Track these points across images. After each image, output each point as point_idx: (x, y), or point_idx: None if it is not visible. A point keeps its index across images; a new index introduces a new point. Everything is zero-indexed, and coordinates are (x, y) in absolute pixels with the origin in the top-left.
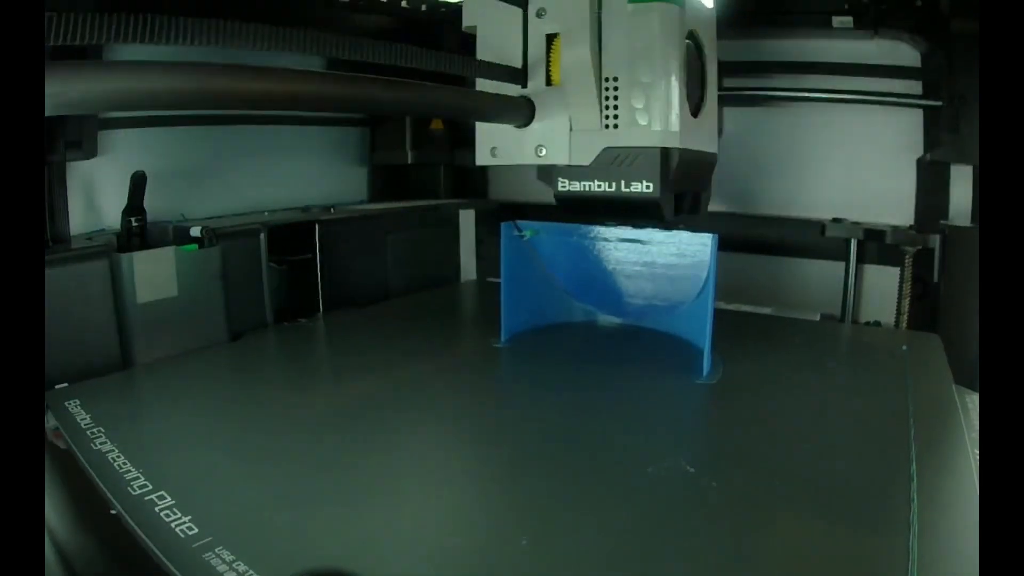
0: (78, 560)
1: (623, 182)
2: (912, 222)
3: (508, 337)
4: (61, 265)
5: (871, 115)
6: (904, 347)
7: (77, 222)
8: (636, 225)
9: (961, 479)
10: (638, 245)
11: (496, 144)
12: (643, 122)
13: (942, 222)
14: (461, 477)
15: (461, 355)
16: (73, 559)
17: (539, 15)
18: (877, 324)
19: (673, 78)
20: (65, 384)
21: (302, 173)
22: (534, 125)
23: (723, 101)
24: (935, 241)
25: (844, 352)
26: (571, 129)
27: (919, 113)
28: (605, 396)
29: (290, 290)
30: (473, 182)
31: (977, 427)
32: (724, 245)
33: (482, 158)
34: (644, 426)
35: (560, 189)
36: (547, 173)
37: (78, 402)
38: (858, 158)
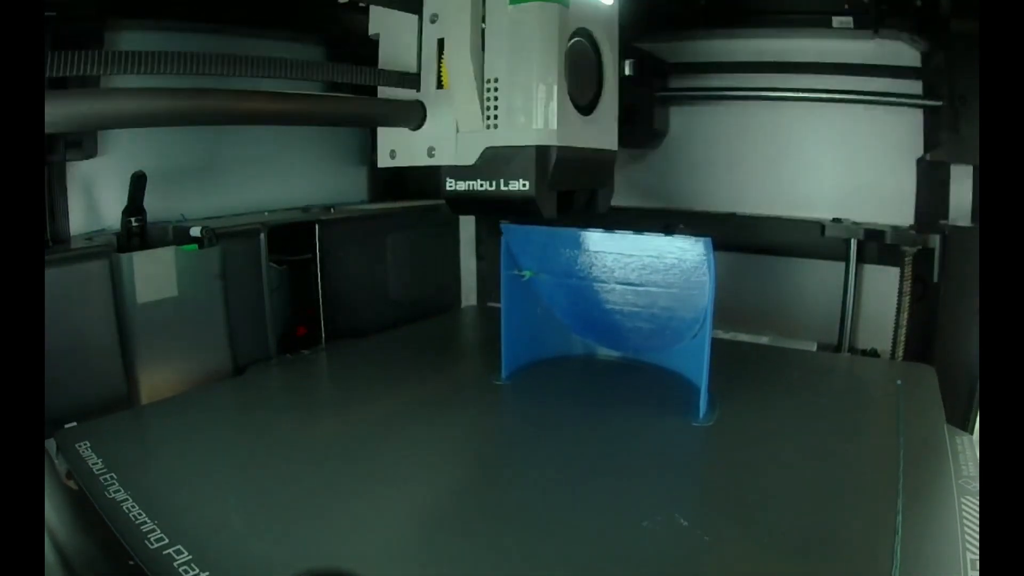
0: (78, 560)
1: (502, 180)
2: (912, 222)
3: (508, 374)
4: (61, 265)
5: (871, 115)
6: (899, 382)
7: (77, 222)
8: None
9: (944, 529)
10: (637, 288)
11: (394, 147)
12: (521, 121)
13: (942, 222)
14: (451, 526)
15: (463, 394)
16: (73, 559)
17: (432, 20)
18: (874, 353)
19: (551, 77)
20: (74, 423)
21: (302, 173)
22: (426, 127)
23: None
24: (935, 241)
25: (839, 389)
26: (457, 130)
27: (919, 113)
28: (602, 441)
29: (290, 290)
30: None
31: (965, 471)
32: (723, 245)
33: (383, 160)
34: (640, 475)
35: (448, 189)
36: (437, 173)
37: (88, 444)
38: (858, 158)
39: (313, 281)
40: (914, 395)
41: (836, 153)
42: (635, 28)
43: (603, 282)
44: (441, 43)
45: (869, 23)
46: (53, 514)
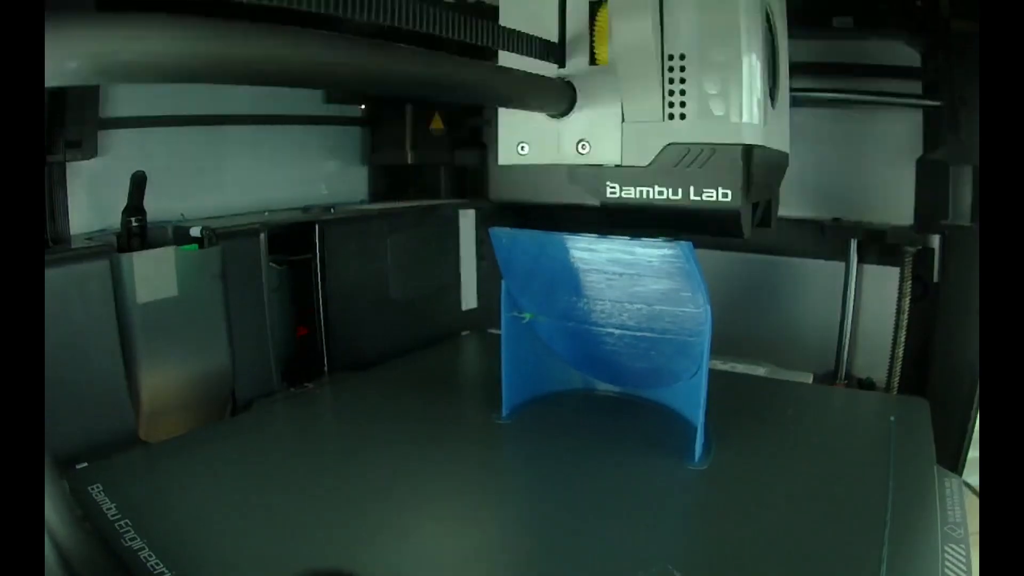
0: (78, 560)
1: (693, 188)
2: (912, 222)
3: (509, 411)
4: (61, 265)
5: (871, 115)
6: (892, 418)
7: (77, 222)
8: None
9: None
10: (635, 333)
11: (525, 139)
12: (719, 112)
13: (942, 222)
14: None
15: (464, 436)
16: (73, 559)
17: None
18: (870, 383)
19: (755, 58)
20: (85, 464)
21: (302, 173)
22: (574, 114)
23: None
24: (935, 241)
25: (833, 426)
26: (623, 120)
27: (919, 113)
28: (598, 487)
29: (290, 290)
30: (473, 182)
31: (952, 516)
32: (723, 246)
33: (507, 156)
34: (634, 522)
35: (610, 196)
36: (588, 175)
37: (100, 487)
38: (858, 158)
39: (313, 281)
40: (906, 433)
41: (836, 153)
42: None
43: (601, 326)
44: (595, 6)
45: (869, 23)
46: (53, 514)
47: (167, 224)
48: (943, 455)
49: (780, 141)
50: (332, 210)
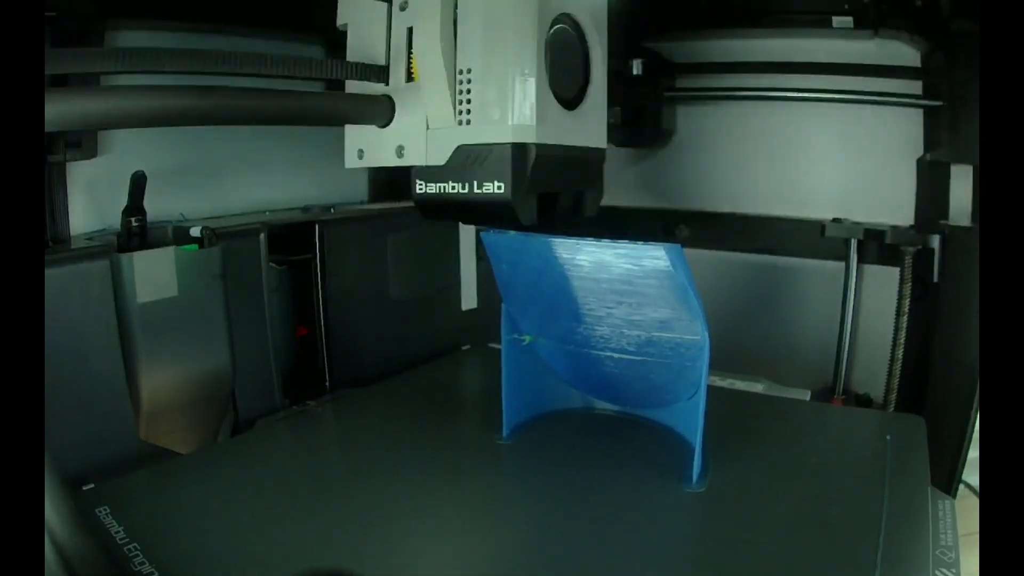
0: (78, 560)
1: (475, 183)
2: (912, 222)
3: (509, 432)
4: (61, 265)
5: (871, 115)
6: (888, 437)
7: (77, 222)
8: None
9: None
10: (633, 358)
11: (362, 146)
12: (495, 116)
13: (942, 222)
14: None
15: (466, 458)
16: (73, 559)
17: (402, 8)
18: (867, 399)
19: (529, 66)
20: (92, 485)
21: (302, 173)
22: (395, 124)
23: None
24: (935, 241)
25: (829, 446)
26: (428, 127)
27: (919, 113)
28: (595, 512)
29: (290, 290)
30: None
31: (944, 540)
32: (724, 245)
33: (350, 160)
34: (631, 547)
35: (418, 192)
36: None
37: (108, 510)
38: (858, 158)
39: (313, 281)
40: (901, 454)
41: (836, 153)
42: (636, 27)
43: (600, 350)
44: (411, 32)
45: (869, 23)
46: (53, 514)
47: (167, 224)
48: (942, 457)
49: (583, 139)
50: (332, 210)
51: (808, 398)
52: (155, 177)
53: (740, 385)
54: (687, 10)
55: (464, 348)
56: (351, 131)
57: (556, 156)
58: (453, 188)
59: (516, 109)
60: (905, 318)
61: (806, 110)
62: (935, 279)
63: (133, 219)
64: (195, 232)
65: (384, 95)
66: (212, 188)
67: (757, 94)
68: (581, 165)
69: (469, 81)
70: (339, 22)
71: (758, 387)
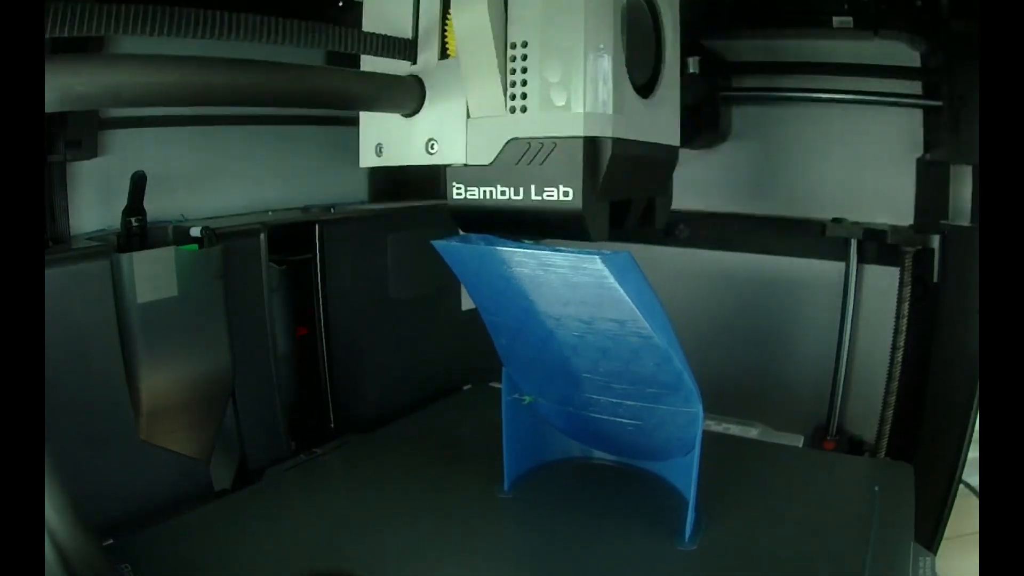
0: (78, 560)
1: (534, 187)
2: (912, 222)
3: (510, 485)
4: (61, 265)
5: (871, 115)
6: (876, 488)
7: (77, 222)
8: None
9: None
10: (630, 422)
11: (382, 140)
12: (560, 102)
13: (942, 222)
14: None
15: (469, 513)
16: (73, 559)
17: None
18: (859, 443)
19: (605, 40)
20: (111, 540)
21: (302, 173)
22: (424, 112)
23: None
24: (935, 241)
25: (819, 498)
26: (468, 116)
27: (919, 113)
28: (591, 567)
29: (290, 290)
30: None
31: None
32: (724, 245)
33: (366, 157)
34: None
35: (455, 197)
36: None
37: (129, 568)
38: (858, 158)
39: (313, 281)
40: (888, 506)
41: (836, 153)
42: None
43: (598, 414)
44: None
45: (869, 23)
46: (53, 514)
47: (167, 224)
48: (943, 457)
49: (658, 134)
50: (332, 210)
51: (801, 443)
52: (155, 177)
53: (735, 430)
54: (690, 12)
55: (466, 388)
56: (368, 122)
57: (632, 154)
58: (503, 194)
59: (589, 93)
60: (905, 319)
61: (805, 110)
62: (935, 279)
63: (133, 219)
64: (195, 232)
65: (412, 76)
66: (212, 188)
67: (757, 95)
68: (655, 166)
69: (524, 57)
70: None
71: (752, 432)
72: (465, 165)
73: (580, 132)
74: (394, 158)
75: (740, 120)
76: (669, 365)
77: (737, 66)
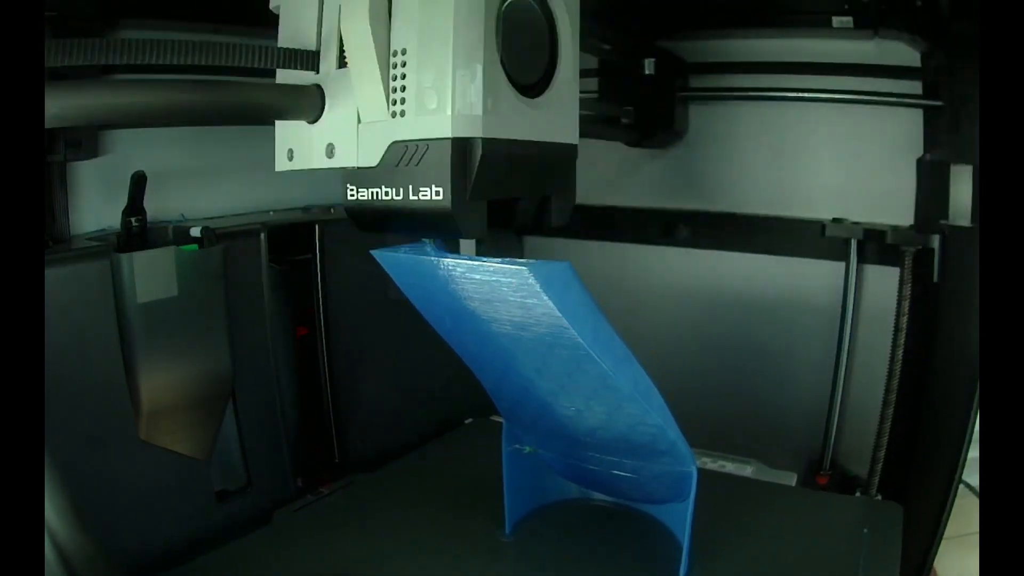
0: (78, 560)
1: (411, 187)
2: (912, 222)
3: (512, 527)
4: (61, 265)
5: (871, 115)
6: (865, 530)
7: (78, 223)
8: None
9: None
10: (628, 474)
11: (292, 145)
12: (432, 105)
13: (942, 222)
14: None
15: (469, 551)
16: (73, 559)
17: None
18: (852, 479)
19: (474, 44)
20: None
21: (302, 173)
22: (324, 119)
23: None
24: (935, 241)
25: (808, 540)
26: (359, 121)
27: (919, 113)
28: None
29: (290, 290)
30: None
31: None
32: (724, 245)
33: (280, 163)
34: None
35: (349, 199)
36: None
37: None
38: (858, 158)
39: (313, 281)
40: (875, 549)
41: (836, 153)
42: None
43: (596, 465)
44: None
45: (869, 23)
46: (53, 514)
47: (167, 224)
48: (945, 457)
49: (548, 133)
50: (332, 210)
51: (794, 481)
52: (155, 177)
53: (730, 468)
54: (689, 11)
55: (467, 422)
56: (281, 129)
57: (511, 153)
58: (387, 194)
59: (458, 95)
60: (906, 319)
61: (805, 110)
62: (935, 279)
63: (133, 219)
64: (195, 232)
65: (313, 85)
66: (212, 188)
67: (757, 94)
68: (545, 164)
69: (404, 64)
70: (271, 3)
71: (747, 470)
72: (357, 168)
73: (448, 133)
74: (302, 162)
75: (740, 120)
76: (663, 436)
77: (737, 66)
